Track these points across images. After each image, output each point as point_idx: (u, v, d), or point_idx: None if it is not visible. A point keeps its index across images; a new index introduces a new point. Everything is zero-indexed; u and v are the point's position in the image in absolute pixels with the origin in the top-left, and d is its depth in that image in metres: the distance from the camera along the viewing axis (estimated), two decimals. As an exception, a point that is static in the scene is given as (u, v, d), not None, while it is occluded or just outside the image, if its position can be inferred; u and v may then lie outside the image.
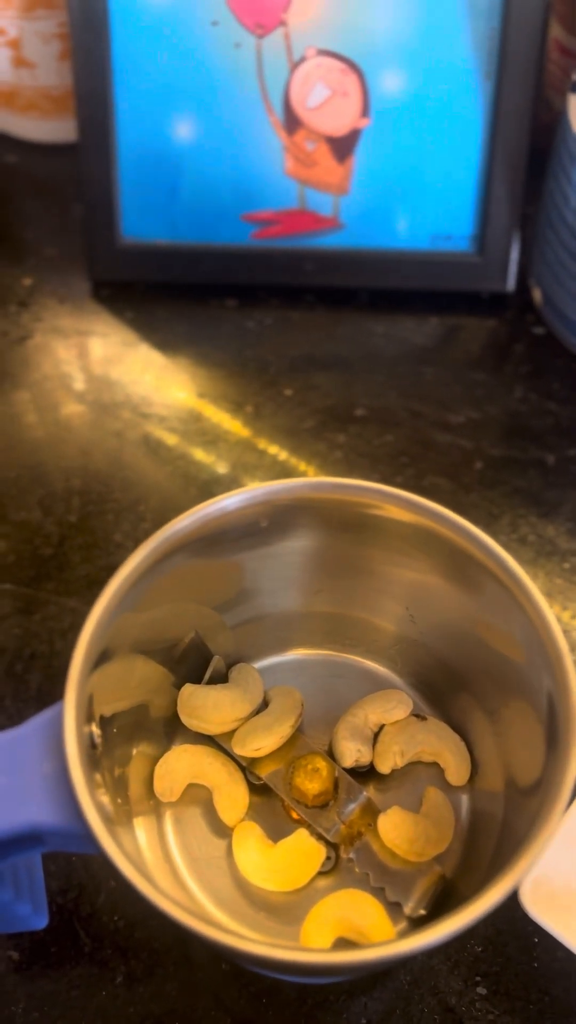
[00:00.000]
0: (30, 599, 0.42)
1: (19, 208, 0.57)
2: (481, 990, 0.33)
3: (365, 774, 0.34)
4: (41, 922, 0.31)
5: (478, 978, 0.33)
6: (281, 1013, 0.32)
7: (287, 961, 0.23)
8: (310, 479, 0.29)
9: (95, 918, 0.34)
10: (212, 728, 0.33)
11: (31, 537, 0.44)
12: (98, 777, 0.26)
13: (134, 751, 0.32)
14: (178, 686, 0.34)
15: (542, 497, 0.45)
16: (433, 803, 0.32)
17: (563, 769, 0.25)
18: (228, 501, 0.29)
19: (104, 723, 0.28)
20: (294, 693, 0.34)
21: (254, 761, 0.33)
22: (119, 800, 0.30)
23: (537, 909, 0.32)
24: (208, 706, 0.33)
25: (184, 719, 0.33)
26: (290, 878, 0.31)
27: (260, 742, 0.32)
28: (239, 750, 0.33)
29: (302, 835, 0.32)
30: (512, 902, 0.33)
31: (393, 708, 0.34)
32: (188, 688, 0.33)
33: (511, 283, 0.51)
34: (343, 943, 0.30)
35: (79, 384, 0.49)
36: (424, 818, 0.32)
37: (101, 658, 0.27)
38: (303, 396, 0.49)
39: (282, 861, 0.31)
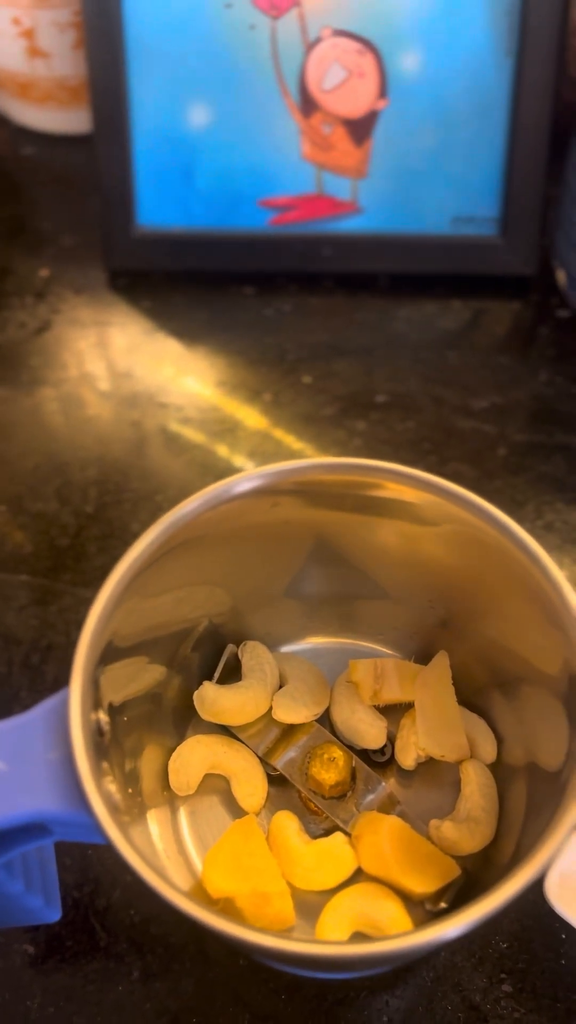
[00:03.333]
0: (47, 590, 0.41)
1: (36, 200, 0.57)
2: (506, 987, 0.32)
3: (386, 769, 0.33)
4: (54, 916, 0.31)
5: (503, 975, 0.32)
6: (300, 1010, 0.32)
7: (299, 954, 0.22)
8: (322, 459, 0.28)
9: (111, 912, 0.34)
10: (233, 722, 0.33)
11: (48, 528, 0.43)
12: (105, 765, 0.25)
13: (146, 741, 0.31)
14: (191, 674, 0.33)
15: (568, 483, 0.44)
16: (473, 803, 0.31)
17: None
18: (237, 483, 0.28)
19: (113, 711, 0.28)
20: (313, 667, 0.34)
21: (269, 751, 0.32)
22: (130, 791, 0.29)
23: (564, 904, 0.31)
24: (234, 710, 0.32)
25: (205, 717, 0.33)
26: (316, 879, 0.30)
27: (297, 715, 0.32)
28: (282, 716, 0.33)
29: (338, 839, 0.31)
30: (538, 897, 0.32)
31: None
32: (210, 691, 0.33)
33: (535, 266, 0.50)
34: (360, 938, 0.29)
35: (96, 374, 0.49)
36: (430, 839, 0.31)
37: (111, 644, 0.27)
38: (323, 383, 0.48)
39: (314, 860, 0.30)
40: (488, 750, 0.32)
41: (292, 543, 0.33)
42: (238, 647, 0.34)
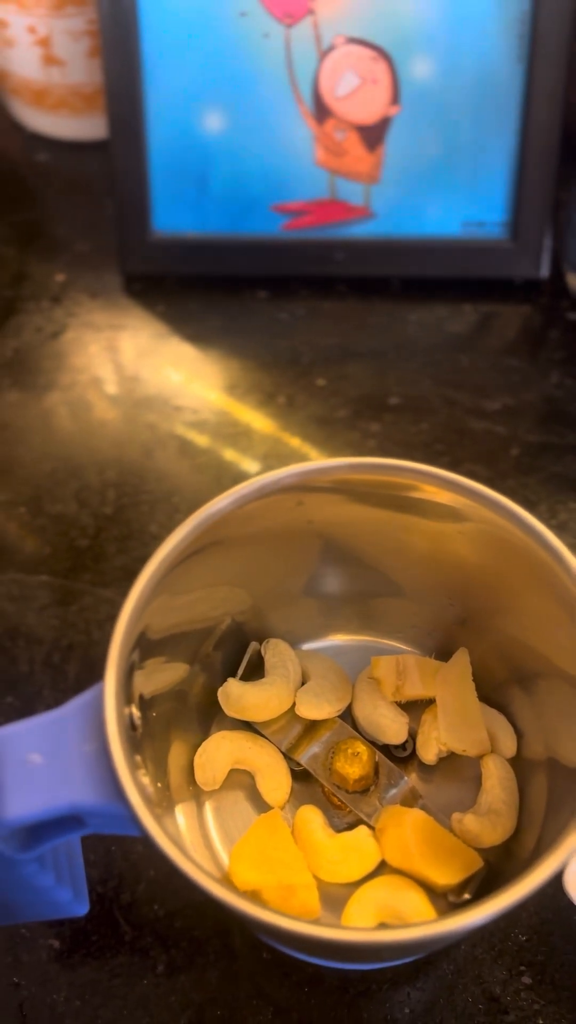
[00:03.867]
0: (67, 590, 0.42)
1: (51, 206, 0.57)
2: (526, 979, 0.32)
3: (407, 764, 0.34)
4: (82, 909, 0.31)
5: (523, 967, 0.33)
6: (323, 1002, 0.32)
7: (331, 940, 0.23)
8: (348, 459, 0.29)
9: (135, 907, 0.34)
10: (257, 718, 0.33)
11: (67, 529, 0.44)
12: (138, 759, 0.26)
13: (172, 737, 0.32)
14: (215, 672, 0.33)
15: (580, 483, 0.45)
16: (495, 796, 0.32)
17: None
18: (265, 481, 0.29)
19: (143, 706, 0.28)
20: (334, 664, 0.34)
21: (292, 747, 0.33)
22: (159, 785, 0.30)
23: (583, 896, 0.31)
24: (258, 707, 0.33)
25: (229, 713, 0.33)
26: (341, 872, 0.31)
27: (320, 711, 0.33)
28: (305, 712, 0.33)
29: (363, 833, 0.31)
30: (557, 891, 0.32)
31: None
32: (235, 687, 0.33)
33: (545, 269, 0.51)
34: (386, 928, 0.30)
35: (112, 378, 0.49)
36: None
37: (139, 640, 0.27)
38: (336, 386, 0.49)
39: (339, 853, 0.31)
40: (508, 745, 0.33)
41: (313, 542, 0.33)
42: (261, 644, 0.35)
